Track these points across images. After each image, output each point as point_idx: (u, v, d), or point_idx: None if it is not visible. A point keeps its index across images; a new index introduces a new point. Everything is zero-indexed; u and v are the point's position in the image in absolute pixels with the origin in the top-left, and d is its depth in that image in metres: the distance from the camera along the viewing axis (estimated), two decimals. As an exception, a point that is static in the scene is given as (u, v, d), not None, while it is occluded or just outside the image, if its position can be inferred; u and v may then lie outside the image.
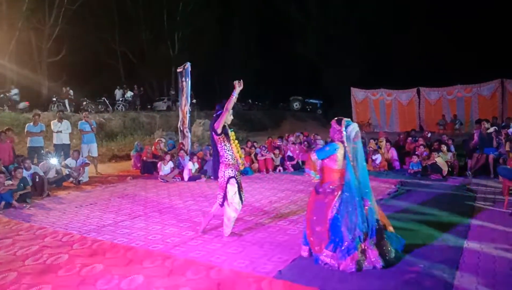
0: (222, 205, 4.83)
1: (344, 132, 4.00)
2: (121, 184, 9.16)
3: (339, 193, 3.98)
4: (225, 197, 4.78)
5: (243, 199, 4.93)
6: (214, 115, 4.88)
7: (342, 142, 4.01)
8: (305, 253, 4.18)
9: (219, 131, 4.70)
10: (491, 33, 24.84)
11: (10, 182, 7.16)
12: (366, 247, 3.87)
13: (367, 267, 3.80)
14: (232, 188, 4.76)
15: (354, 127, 4.02)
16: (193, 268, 3.94)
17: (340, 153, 4.00)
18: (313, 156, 4.09)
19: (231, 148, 4.81)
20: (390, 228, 4.26)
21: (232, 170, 4.77)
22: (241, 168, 4.97)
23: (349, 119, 4.12)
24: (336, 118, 4.16)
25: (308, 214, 4.21)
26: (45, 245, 4.82)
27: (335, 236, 3.92)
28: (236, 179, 4.79)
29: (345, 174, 3.98)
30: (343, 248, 3.84)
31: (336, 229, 3.92)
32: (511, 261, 3.94)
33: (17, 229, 5.60)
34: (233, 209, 4.79)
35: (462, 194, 7.32)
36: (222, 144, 4.77)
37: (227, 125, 4.85)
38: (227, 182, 4.74)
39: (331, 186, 4.04)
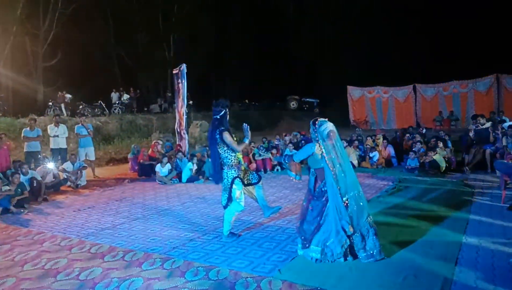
0: (226, 206, 4.81)
1: (318, 132, 4.08)
2: (119, 187, 9.14)
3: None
4: (229, 198, 4.76)
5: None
6: (216, 116, 4.79)
7: (318, 142, 4.09)
8: (300, 251, 4.22)
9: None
10: (486, 28, 24.91)
11: (8, 187, 7.14)
12: (351, 240, 3.96)
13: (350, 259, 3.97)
14: (237, 188, 4.75)
15: (326, 127, 4.07)
16: (193, 270, 3.94)
17: (318, 153, 4.10)
18: (294, 159, 4.33)
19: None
20: None
21: (235, 170, 4.77)
22: (242, 167, 4.96)
23: (325, 119, 4.20)
24: (312, 119, 4.26)
25: (303, 211, 4.31)
26: (44, 250, 4.81)
27: (324, 231, 4.04)
28: (240, 178, 4.79)
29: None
30: (329, 243, 3.96)
31: (327, 224, 4.04)
32: (510, 255, 3.95)
33: (15, 234, 5.58)
34: (236, 207, 4.78)
35: (460, 190, 7.35)
36: (226, 147, 4.74)
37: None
38: (232, 182, 4.74)
39: (323, 188, 4.13)
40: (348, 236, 3.94)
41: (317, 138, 4.10)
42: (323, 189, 4.13)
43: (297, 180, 4.40)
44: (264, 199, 5.26)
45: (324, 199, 4.10)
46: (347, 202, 3.96)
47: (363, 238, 3.96)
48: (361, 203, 4.02)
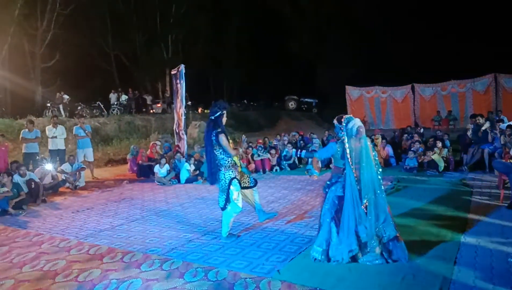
0: (224, 208, 4.78)
1: (345, 130, 3.97)
2: (118, 188, 9.13)
3: (331, 189, 4.06)
4: (227, 200, 4.75)
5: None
6: (211, 117, 4.78)
7: (343, 141, 3.98)
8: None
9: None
10: (484, 28, 24.98)
11: (6, 189, 7.11)
12: (365, 247, 3.86)
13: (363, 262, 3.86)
14: (235, 189, 4.74)
15: (355, 123, 3.96)
16: (192, 271, 3.94)
17: (338, 153, 4.05)
18: (316, 156, 4.36)
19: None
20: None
21: (232, 172, 4.76)
22: (239, 169, 4.96)
23: (350, 116, 4.09)
24: (336, 117, 4.13)
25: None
26: (42, 251, 4.80)
27: (323, 231, 4.01)
28: (237, 180, 4.78)
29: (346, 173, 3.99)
30: (333, 244, 3.92)
31: (325, 225, 4.01)
32: (508, 255, 3.96)
33: (13, 236, 5.57)
34: (234, 209, 4.76)
35: (458, 189, 7.36)
36: (222, 149, 4.73)
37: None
38: (229, 183, 4.72)
39: (327, 182, 4.16)
40: (360, 242, 3.85)
41: (343, 136, 3.97)
42: (326, 185, 4.15)
43: (317, 177, 4.43)
44: (259, 204, 5.28)
45: (325, 197, 4.10)
46: (366, 204, 3.86)
47: (380, 242, 3.86)
48: (378, 207, 3.88)
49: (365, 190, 3.86)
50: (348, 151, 3.92)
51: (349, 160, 3.90)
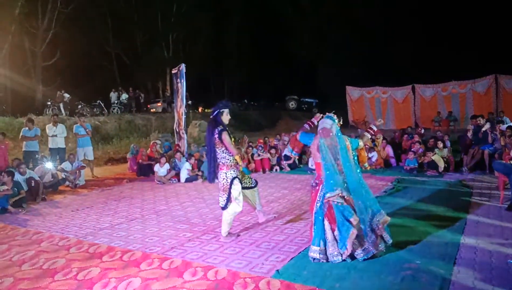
0: (225, 208, 4.77)
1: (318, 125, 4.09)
2: (118, 187, 9.13)
3: (321, 187, 4.07)
4: (228, 199, 4.74)
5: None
6: (210, 116, 4.84)
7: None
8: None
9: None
10: (484, 29, 24.95)
11: (6, 187, 7.11)
12: (360, 238, 3.91)
13: (359, 255, 3.89)
14: (236, 188, 4.74)
15: (322, 122, 4.07)
16: (191, 270, 3.93)
17: (312, 147, 4.11)
18: (297, 135, 4.39)
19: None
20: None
21: (234, 171, 4.75)
22: (240, 168, 4.96)
23: (331, 114, 4.16)
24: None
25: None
26: (42, 249, 4.80)
27: (317, 229, 4.01)
28: (239, 179, 4.78)
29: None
30: (329, 242, 3.93)
31: (318, 223, 4.02)
32: (507, 256, 3.95)
33: (13, 234, 5.57)
34: (235, 208, 4.76)
35: (458, 190, 7.35)
36: (225, 147, 4.73)
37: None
38: (231, 183, 4.72)
39: (316, 180, 4.17)
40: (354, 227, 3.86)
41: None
42: (313, 185, 4.17)
43: (293, 155, 4.53)
44: (259, 204, 5.27)
45: (315, 195, 4.11)
46: (339, 194, 3.89)
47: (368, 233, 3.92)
48: (360, 202, 3.94)
49: (339, 185, 3.89)
50: (322, 147, 3.99)
51: (324, 156, 3.97)
